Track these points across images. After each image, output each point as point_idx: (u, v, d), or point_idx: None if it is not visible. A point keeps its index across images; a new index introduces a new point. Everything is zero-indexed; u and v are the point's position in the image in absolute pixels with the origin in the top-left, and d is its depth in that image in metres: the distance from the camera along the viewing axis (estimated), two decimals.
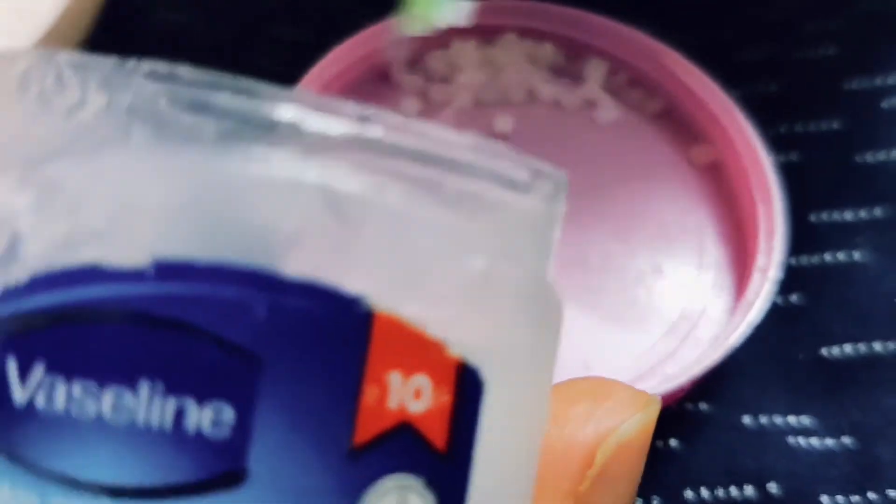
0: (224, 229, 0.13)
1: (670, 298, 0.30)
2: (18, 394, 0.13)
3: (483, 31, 0.35)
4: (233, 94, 0.13)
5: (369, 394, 0.13)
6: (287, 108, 0.13)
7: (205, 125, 0.13)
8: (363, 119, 0.13)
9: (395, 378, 0.13)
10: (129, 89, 0.13)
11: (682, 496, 0.28)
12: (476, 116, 0.33)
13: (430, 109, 0.34)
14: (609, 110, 0.34)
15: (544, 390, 0.15)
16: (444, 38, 0.34)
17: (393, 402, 0.13)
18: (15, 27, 0.34)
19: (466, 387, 0.13)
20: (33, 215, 0.13)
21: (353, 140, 0.13)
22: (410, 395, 0.13)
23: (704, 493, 0.28)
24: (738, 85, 0.34)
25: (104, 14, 0.37)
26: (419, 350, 0.13)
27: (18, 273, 0.13)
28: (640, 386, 0.28)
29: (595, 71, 0.34)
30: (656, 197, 0.32)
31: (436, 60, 0.34)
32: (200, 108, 0.13)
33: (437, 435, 0.13)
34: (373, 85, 0.34)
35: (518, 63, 0.34)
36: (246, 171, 0.13)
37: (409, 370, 0.13)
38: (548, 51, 0.35)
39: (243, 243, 0.13)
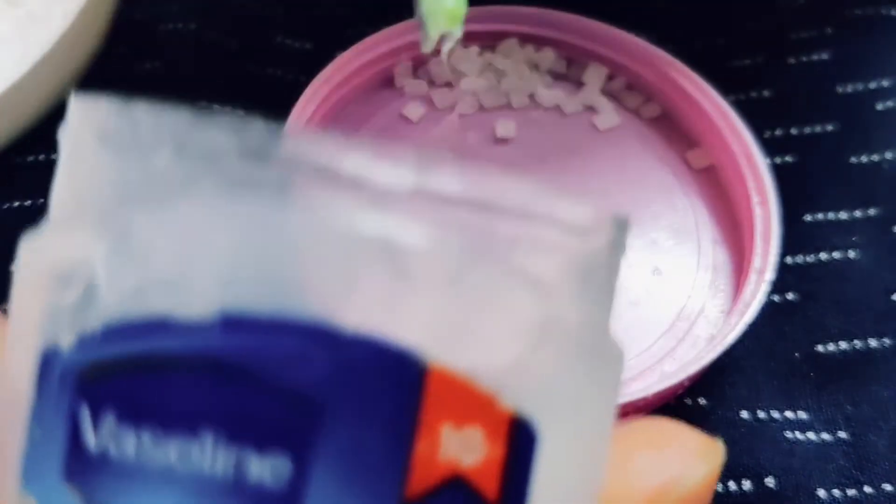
0: (285, 281, 0.13)
1: (669, 298, 0.31)
2: (91, 440, 0.13)
3: (485, 37, 0.35)
4: (297, 145, 0.13)
5: (422, 446, 0.13)
6: (349, 159, 0.13)
7: (269, 175, 0.13)
8: (423, 168, 0.13)
9: (447, 431, 0.13)
10: (200, 140, 0.13)
11: None
12: (479, 121, 0.34)
13: (434, 114, 0.34)
14: (609, 115, 0.34)
15: (602, 441, 0.15)
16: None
17: (445, 455, 0.13)
18: (28, 33, 0.34)
19: (520, 438, 0.14)
20: (108, 264, 0.13)
21: (413, 191, 0.13)
22: (463, 448, 0.13)
23: None
24: (734, 89, 0.35)
25: (117, 21, 0.37)
26: (472, 403, 0.13)
27: (94, 321, 0.13)
28: (639, 383, 0.28)
29: (595, 76, 0.35)
30: (655, 199, 0.33)
31: (439, 66, 0.35)
32: (266, 157, 0.13)
33: (490, 487, 0.13)
34: (377, 90, 0.35)
35: (519, 68, 0.35)
36: (308, 223, 0.13)
37: (461, 423, 0.13)
38: (548, 56, 0.35)
39: (304, 294, 0.13)
